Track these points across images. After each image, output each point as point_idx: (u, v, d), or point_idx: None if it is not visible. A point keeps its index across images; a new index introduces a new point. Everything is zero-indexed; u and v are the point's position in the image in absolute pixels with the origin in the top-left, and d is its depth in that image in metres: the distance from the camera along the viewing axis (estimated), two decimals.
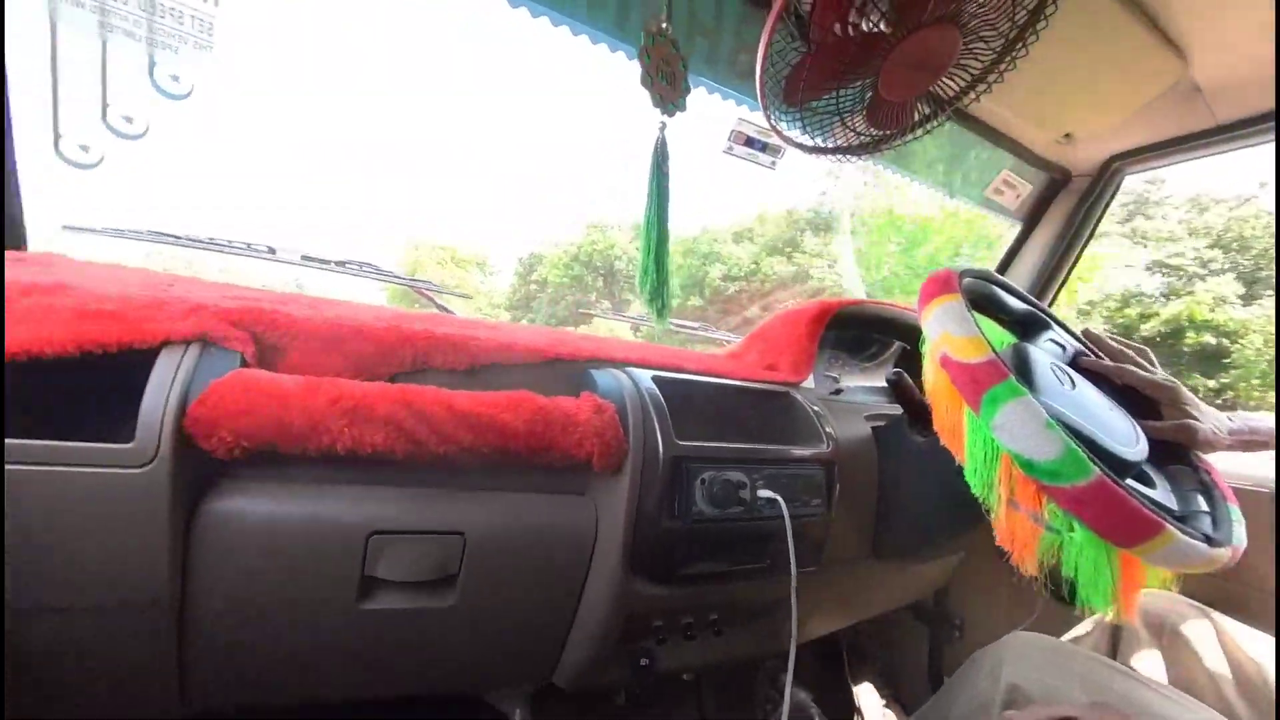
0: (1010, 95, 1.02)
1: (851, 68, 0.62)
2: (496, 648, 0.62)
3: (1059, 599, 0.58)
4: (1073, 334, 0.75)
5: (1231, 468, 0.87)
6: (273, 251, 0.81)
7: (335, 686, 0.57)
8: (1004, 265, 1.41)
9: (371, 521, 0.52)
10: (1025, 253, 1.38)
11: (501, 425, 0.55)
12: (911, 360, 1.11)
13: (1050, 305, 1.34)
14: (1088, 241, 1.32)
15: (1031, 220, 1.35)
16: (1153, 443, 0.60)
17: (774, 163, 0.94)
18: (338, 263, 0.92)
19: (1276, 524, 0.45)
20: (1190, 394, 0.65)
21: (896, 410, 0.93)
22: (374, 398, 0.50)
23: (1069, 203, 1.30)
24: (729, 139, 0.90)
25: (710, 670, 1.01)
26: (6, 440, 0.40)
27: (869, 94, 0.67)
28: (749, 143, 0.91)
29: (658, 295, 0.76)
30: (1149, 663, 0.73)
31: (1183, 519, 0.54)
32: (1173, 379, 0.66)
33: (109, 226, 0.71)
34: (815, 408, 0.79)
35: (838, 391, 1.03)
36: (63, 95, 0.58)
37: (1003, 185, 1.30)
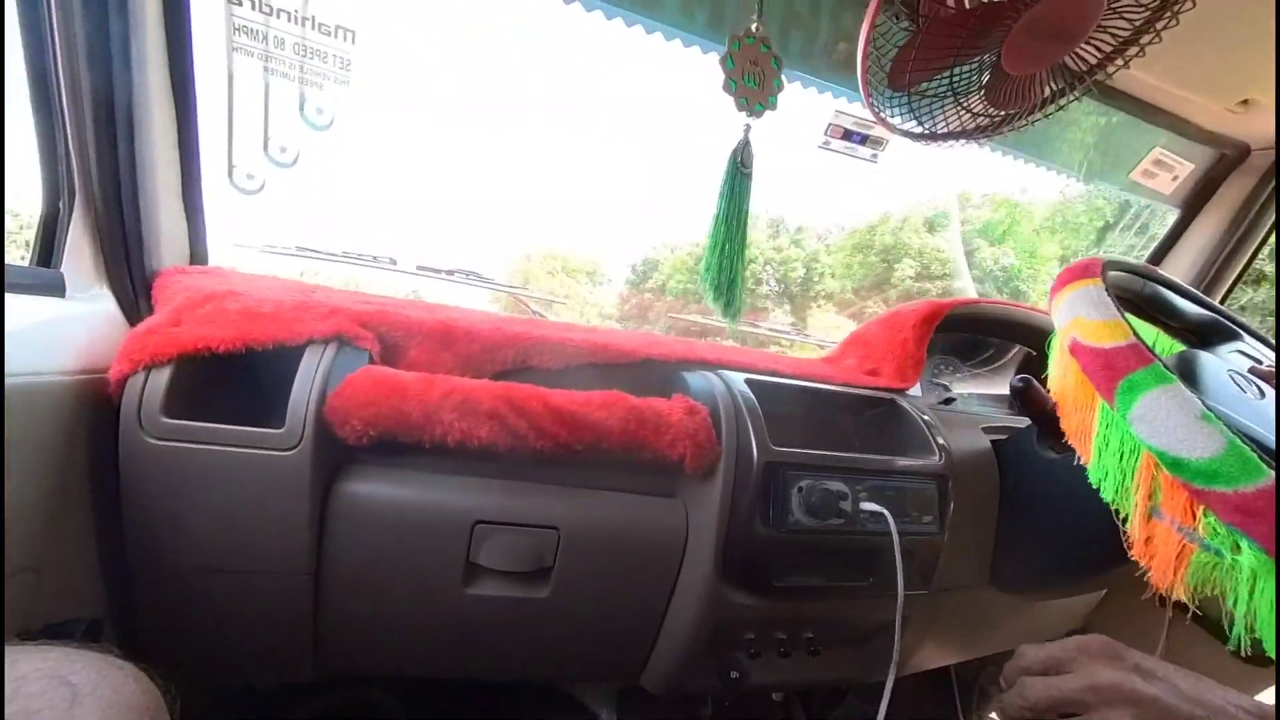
0: (1167, 59, 0.88)
1: (970, 42, 0.56)
2: (587, 643, 0.63)
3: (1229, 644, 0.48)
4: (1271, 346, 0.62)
5: None
6: (394, 262, 0.89)
7: (442, 664, 0.61)
8: (1155, 260, 1.21)
9: (476, 510, 0.55)
10: (1184, 244, 1.18)
11: (595, 423, 0.56)
12: (1037, 367, 0.99)
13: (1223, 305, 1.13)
14: (1273, 229, 1.10)
15: (1193, 206, 1.15)
16: None
17: (874, 155, 0.89)
18: (447, 272, 1.01)
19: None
20: None
21: (1019, 422, 0.83)
22: (480, 393, 0.53)
23: (1245, 183, 1.09)
24: (825, 133, 0.86)
25: (803, 691, 0.96)
26: (182, 422, 0.47)
27: (988, 71, 0.61)
28: (847, 135, 0.86)
29: (722, 293, 0.75)
30: None
31: None
32: None
33: (266, 244, 0.82)
34: (925, 417, 0.72)
35: (948, 400, 0.93)
36: (235, 132, 0.69)
37: (1153, 166, 1.12)
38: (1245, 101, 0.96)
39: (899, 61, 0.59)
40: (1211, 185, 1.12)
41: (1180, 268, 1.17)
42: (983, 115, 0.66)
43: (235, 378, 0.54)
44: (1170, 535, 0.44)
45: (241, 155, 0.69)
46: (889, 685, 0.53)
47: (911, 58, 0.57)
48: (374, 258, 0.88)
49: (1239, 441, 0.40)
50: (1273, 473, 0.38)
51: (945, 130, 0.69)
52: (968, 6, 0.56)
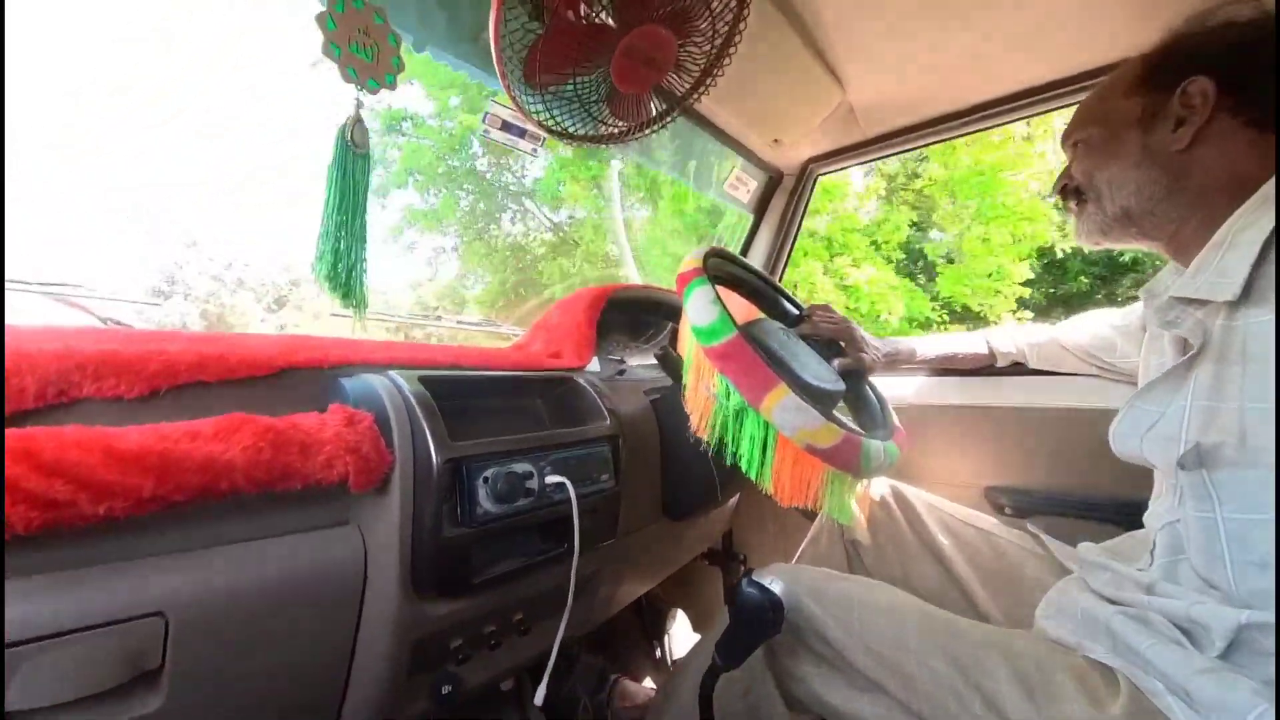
0: (734, 102, 1.19)
1: (586, 55, 0.64)
2: None
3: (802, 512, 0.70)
4: (796, 305, 0.92)
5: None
6: None
7: None
8: (744, 250, 1.66)
9: None
10: (758, 240, 1.65)
11: (204, 460, 0.43)
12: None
13: (780, 281, 1.63)
14: (798, 230, 1.64)
15: (760, 212, 1.61)
16: (848, 381, 0.78)
17: (535, 150, 0.94)
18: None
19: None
20: (862, 333, 0.86)
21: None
22: None
23: (782, 199, 1.59)
24: (484, 121, 0.86)
25: (523, 671, 0.98)
26: None
27: (604, 84, 0.71)
28: (506, 127, 0.88)
29: (340, 284, 0.68)
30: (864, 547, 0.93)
31: (818, 399, 0.65)
32: (847, 323, 0.86)
33: None
34: (597, 388, 0.81)
35: (621, 371, 1.08)
36: None
37: (736, 181, 1.53)
38: (776, 140, 1.39)
39: (530, 60, 0.62)
40: (766, 198, 1.59)
41: (756, 259, 1.63)
42: (611, 124, 0.77)
43: None
44: (706, 400, 0.62)
45: None
46: (562, 625, 0.62)
47: (538, 59, 0.61)
48: None
49: (725, 312, 0.58)
50: (736, 330, 0.57)
51: (584, 133, 0.77)
52: (583, 21, 0.63)
